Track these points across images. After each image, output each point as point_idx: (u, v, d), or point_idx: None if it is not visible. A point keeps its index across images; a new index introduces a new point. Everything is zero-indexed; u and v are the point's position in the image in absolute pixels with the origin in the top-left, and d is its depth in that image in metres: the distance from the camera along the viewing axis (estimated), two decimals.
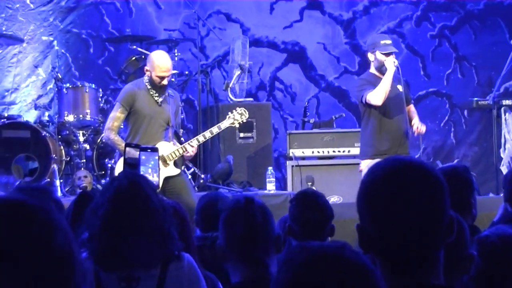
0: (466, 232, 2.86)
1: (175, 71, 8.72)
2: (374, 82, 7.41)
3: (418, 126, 7.41)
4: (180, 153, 7.11)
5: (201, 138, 7.19)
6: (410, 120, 7.47)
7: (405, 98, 7.41)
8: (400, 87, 7.42)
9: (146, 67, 7.03)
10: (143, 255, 3.23)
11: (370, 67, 7.51)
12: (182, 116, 8.90)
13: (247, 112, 7.49)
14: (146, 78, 7.05)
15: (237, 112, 7.42)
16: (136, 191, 3.39)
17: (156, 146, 7.01)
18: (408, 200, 2.04)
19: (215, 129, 7.29)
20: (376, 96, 7.21)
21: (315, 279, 1.58)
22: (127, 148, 5.14)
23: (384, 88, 7.20)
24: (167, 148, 7.09)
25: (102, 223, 3.15)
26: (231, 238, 3.12)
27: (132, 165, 5.08)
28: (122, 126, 7.18)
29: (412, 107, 7.65)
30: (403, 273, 2.04)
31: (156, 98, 7.02)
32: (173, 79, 8.68)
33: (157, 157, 5.92)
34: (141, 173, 6.12)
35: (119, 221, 3.18)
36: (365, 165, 7.23)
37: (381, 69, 7.39)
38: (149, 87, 7.00)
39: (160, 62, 6.95)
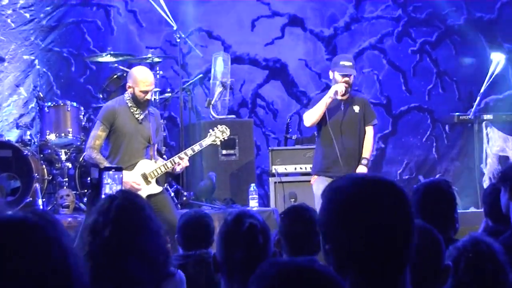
0: (442, 244, 2.85)
1: (157, 89, 8.70)
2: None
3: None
4: (162, 171, 7.06)
5: (182, 155, 7.12)
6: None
7: (363, 119, 7.56)
8: (356, 108, 7.51)
9: (128, 84, 6.99)
10: (143, 274, 3.20)
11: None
12: (164, 134, 8.84)
13: (228, 130, 7.47)
14: (127, 95, 7.00)
15: (218, 130, 7.40)
16: (138, 211, 3.36)
17: (137, 163, 7.01)
18: (380, 215, 2.03)
19: (196, 147, 7.24)
20: (306, 118, 7.53)
21: None
22: (92, 168, 5.11)
23: (314, 112, 7.41)
24: (149, 166, 7.04)
25: (105, 243, 3.10)
26: (230, 258, 3.12)
27: (95, 185, 5.04)
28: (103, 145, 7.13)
29: (370, 130, 7.68)
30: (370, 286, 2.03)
31: (136, 116, 6.98)
32: (155, 97, 8.65)
33: (121, 176, 5.88)
34: (102, 193, 6.11)
35: (122, 241, 3.14)
36: (313, 180, 7.53)
37: (345, 92, 7.46)
38: (130, 104, 6.95)
39: (143, 77, 6.91)
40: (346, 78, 7.46)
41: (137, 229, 3.26)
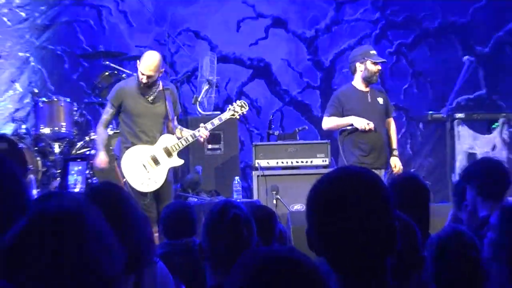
0: (418, 236, 2.86)
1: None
2: (348, 97, 7.39)
3: None
4: (183, 144, 7.10)
5: (209, 125, 7.09)
6: None
7: (386, 111, 7.65)
8: (380, 100, 7.53)
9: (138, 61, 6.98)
10: (128, 262, 3.18)
11: (354, 79, 7.46)
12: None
13: (247, 105, 7.43)
14: (136, 74, 7.00)
15: (237, 105, 7.36)
16: (123, 202, 3.33)
17: (158, 138, 6.99)
18: (357, 206, 2.03)
19: (216, 121, 7.20)
20: (325, 124, 7.53)
21: (268, 278, 1.61)
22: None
23: (334, 125, 7.44)
24: (171, 140, 7.03)
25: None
26: (215, 246, 3.13)
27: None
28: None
29: (392, 121, 7.80)
30: (352, 275, 2.04)
31: (147, 97, 6.94)
32: None
33: (86, 166, 5.90)
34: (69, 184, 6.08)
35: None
36: None
37: (370, 79, 7.36)
38: (140, 84, 6.91)
39: (144, 60, 6.84)
40: (379, 66, 7.39)
41: (122, 218, 3.24)
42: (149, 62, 6.83)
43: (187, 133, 7.09)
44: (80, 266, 1.86)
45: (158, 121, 7.02)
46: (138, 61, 6.94)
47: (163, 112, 7.01)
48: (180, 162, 7.15)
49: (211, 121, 7.17)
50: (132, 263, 3.20)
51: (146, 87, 6.87)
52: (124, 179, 6.89)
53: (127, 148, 6.97)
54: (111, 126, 7.79)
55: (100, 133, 7.08)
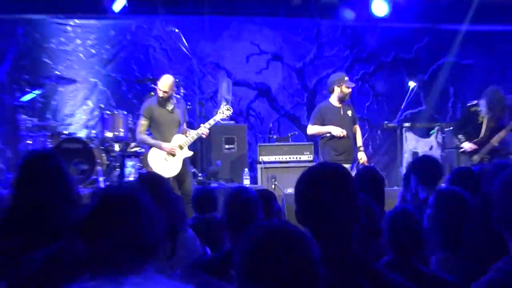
0: (376, 212, 2.85)
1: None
2: (326, 111, 7.37)
3: None
4: (191, 140, 7.08)
5: (207, 125, 7.12)
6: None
7: (353, 121, 7.56)
8: (349, 113, 7.45)
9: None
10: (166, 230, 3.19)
11: (330, 97, 7.43)
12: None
13: (231, 109, 7.43)
14: (156, 93, 7.02)
15: (225, 109, 7.35)
16: (163, 186, 3.35)
17: (174, 137, 6.99)
18: (331, 190, 2.04)
19: (211, 121, 7.23)
20: (310, 131, 7.46)
21: (269, 243, 1.62)
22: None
23: (317, 132, 7.37)
24: (182, 138, 7.05)
25: None
26: (230, 218, 3.11)
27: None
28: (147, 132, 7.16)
29: (358, 127, 7.68)
30: (329, 241, 2.03)
31: (167, 108, 6.94)
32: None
33: (137, 161, 5.73)
34: (125, 174, 5.93)
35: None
36: None
37: (344, 98, 7.34)
38: (159, 99, 6.93)
39: (162, 81, 6.95)
40: (350, 89, 7.36)
41: (161, 199, 3.23)
42: (165, 82, 6.90)
43: (193, 133, 7.10)
44: (133, 233, 1.88)
45: (175, 125, 7.03)
46: (158, 81, 7.00)
47: (178, 119, 7.03)
48: (190, 153, 7.13)
49: (208, 122, 7.21)
50: (170, 231, 3.22)
51: (164, 101, 6.89)
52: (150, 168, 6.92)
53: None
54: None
55: (146, 137, 7.05)
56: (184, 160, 7.04)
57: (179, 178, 6.96)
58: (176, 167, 6.94)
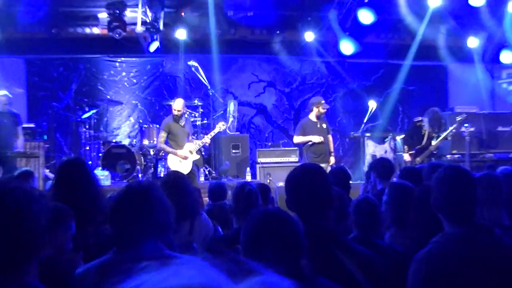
0: (345, 200, 2.84)
1: (198, 118, 8.66)
2: (307, 125, 7.37)
3: None
4: (197, 147, 7.01)
5: (206, 138, 7.07)
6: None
7: (327, 131, 7.47)
8: (324, 125, 7.37)
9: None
10: (186, 211, 3.16)
11: (310, 114, 7.43)
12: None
13: (225, 125, 7.48)
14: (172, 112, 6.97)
15: (221, 124, 7.36)
16: (184, 181, 3.32)
17: (185, 145, 6.93)
18: (311, 184, 2.03)
19: (212, 133, 7.21)
20: (296, 141, 7.41)
21: (266, 225, 1.60)
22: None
23: (301, 141, 7.31)
24: (191, 145, 6.99)
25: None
26: (237, 205, 3.06)
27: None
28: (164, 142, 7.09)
29: (331, 137, 7.58)
30: (310, 220, 1.99)
31: (180, 123, 6.92)
32: (198, 122, 8.62)
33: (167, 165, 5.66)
34: (158, 172, 5.76)
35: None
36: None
37: (320, 116, 7.34)
38: (174, 116, 6.89)
39: (176, 102, 6.92)
40: (325, 110, 7.35)
41: (183, 190, 3.23)
42: (178, 104, 6.88)
43: (198, 141, 7.08)
44: (149, 218, 1.83)
45: (185, 136, 6.99)
46: (171, 102, 6.98)
47: (187, 131, 7.01)
48: (197, 157, 7.09)
49: (209, 134, 7.20)
50: (189, 213, 3.22)
51: (177, 118, 6.87)
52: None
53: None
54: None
55: (165, 146, 6.95)
56: (193, 162, 7.02)
57: (189, 176, 6.95)
58: (188, 167, 6.93)
